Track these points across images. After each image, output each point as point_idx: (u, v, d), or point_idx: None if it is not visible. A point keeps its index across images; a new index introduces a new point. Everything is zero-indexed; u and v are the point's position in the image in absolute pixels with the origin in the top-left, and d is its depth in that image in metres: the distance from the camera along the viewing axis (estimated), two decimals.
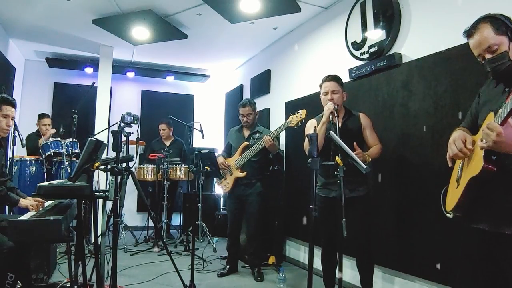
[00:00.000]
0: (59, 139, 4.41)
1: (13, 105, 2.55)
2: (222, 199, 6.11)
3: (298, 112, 3.27)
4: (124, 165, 2.56)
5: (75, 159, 4.29)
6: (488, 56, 1.55)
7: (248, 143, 3.72)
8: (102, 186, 4.65)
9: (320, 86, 2.86)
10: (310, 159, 2.15)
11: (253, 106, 3.81)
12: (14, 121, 2.74)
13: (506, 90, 1.53)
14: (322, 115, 2.75)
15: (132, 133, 3.16)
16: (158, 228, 4.61)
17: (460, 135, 1.61)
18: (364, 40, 3.38)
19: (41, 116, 4.83)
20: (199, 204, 5.15)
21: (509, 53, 1.51)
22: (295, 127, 3.28)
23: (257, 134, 3.75)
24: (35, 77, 6.16)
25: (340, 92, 2.80)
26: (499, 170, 1.42)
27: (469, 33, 1.60)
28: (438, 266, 2.52)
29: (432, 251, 2.56)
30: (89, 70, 6.11)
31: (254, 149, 3.55)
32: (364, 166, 2.31)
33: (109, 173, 2.42)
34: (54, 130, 4.67)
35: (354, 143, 2.51)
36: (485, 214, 1.54)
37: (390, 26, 3.10)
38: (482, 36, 1.55)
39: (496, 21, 1.54)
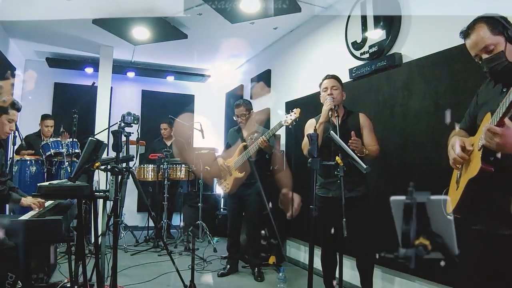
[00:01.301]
0: (59, 139, 4.41)
1: (19, 110, 2.60)
2: (222, 199, 6.12)
3: (292, 111, 3.24)
4: (124, 165, 2.57)
5: (75, 159, 4.30)
6: (485, 56, 1.54)
7: (246, 143, 3.72)
8: (102, 186, 4.64)
9: (320, 85, 2.87)
10: (310, 159, 2.15)
11: (247, 106, 3.79)
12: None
13: (504, 90, 1.52)
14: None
15: (132, 133, 3.17)
16: (159, 228, 4.62)
17: (457, 141, 1.61)
18: (364, 40, 3.38)
19: (44, 117, 4.82)
20: (199, 204, 5.15)
21: (506, 53, 1.50)
22: (290, 127, 3.26)
23: (256, 135, 3.74)
24: (35, 77, 6.17)
25: (340, 90, 2.80)
26: (497, 171, 1.41)
27: (465, 33, 1.60)
28: (438, 266, 2.52)
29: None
30: (89, 70, 6.11)
31: (252, 150, 3.55)
32: (365, 166, 2.29)
33: (109, 173, 2.42)
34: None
35: (352, 132, 2.51)
36: (485, 215, 1.53)
37: (390, 26, 3.10)
38: (478, 36, 1.54)
39: (492, 21, 1.54)
